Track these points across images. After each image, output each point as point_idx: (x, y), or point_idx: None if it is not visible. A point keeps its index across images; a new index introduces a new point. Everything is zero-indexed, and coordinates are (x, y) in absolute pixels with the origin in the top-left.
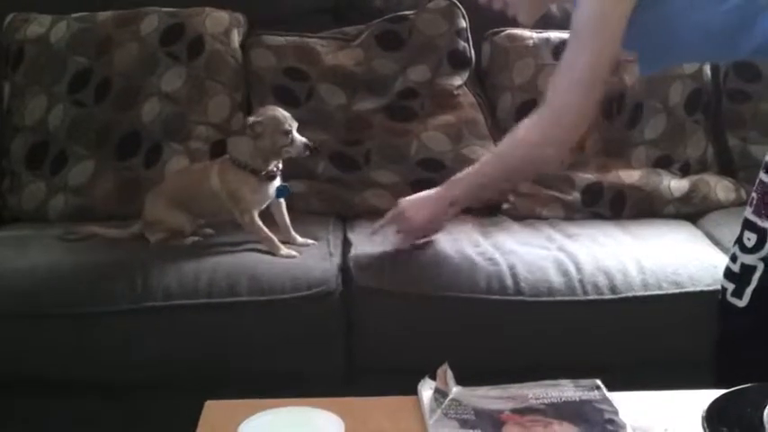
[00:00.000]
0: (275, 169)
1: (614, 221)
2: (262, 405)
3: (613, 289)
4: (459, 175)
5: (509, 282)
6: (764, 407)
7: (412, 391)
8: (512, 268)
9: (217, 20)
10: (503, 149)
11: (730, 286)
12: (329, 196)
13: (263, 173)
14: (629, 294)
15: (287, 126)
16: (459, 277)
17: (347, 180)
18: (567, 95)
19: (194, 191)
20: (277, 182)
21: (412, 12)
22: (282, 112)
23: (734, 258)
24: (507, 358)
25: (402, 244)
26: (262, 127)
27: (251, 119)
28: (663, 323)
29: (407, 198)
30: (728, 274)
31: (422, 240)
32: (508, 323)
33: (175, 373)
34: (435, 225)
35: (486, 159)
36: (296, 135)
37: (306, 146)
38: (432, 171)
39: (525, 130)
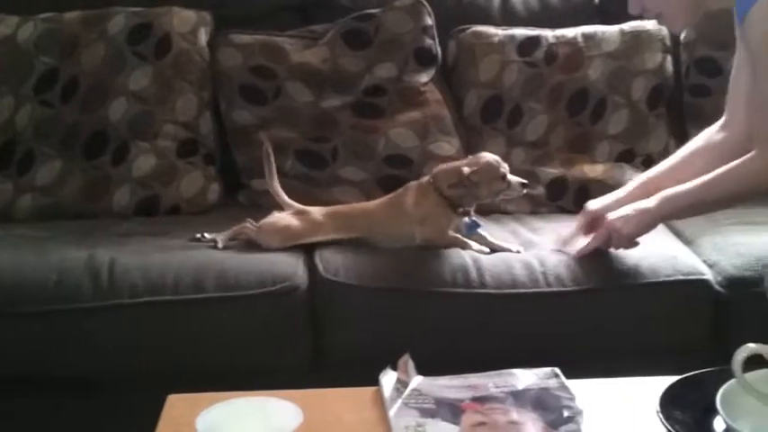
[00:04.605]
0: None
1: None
2: (223, 397)
3: (576, 281)
4: (671, 191)
5: (474, 275)
6: (717, 391)
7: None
8: (476, 261)
9: (184, 19)
10: (723, 176)
11: None
12: (297, 193)
13: (461, 210)
14: (592, 286)
15: (502, 170)
16: (424, 270)
17: (315, 177)
18: None
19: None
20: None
21: (378, 9)
22: (494, 157)
23: None
24: (472, 349)
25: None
26: (478, 176)
27: (466, 170)
28: (624, 313)
29: (615, 211)
30: None
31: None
32: (473, 315)
33: (143, 368)
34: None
35: (705, 181)
36: (510, 177)
37: (522, 185)
38: (399, 167)
39: (744, 160)
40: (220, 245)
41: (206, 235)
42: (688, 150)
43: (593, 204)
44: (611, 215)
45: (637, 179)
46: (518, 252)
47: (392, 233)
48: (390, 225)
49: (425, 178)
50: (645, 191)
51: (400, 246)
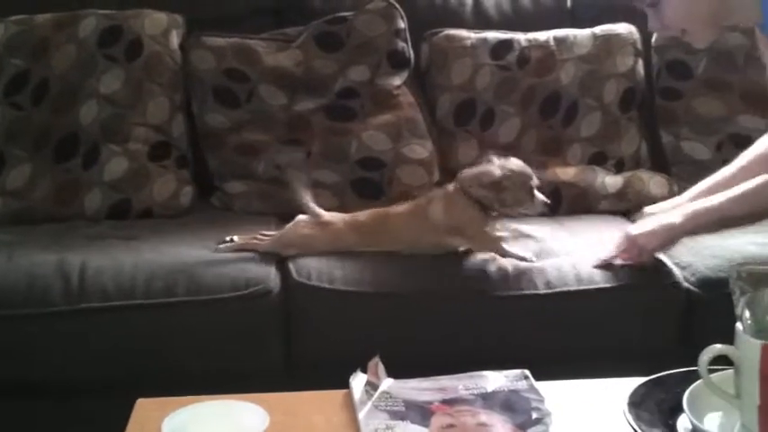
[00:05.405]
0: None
1: (551, 217)
2: (191, 401)
3: (548, 284)
4: (696, 206)
5: (446, 278)
6: (683, 392)
7: None
8: (448, 265)
9: (155, 21)
10: (751, 190)
11: None
12: (270, 196)
13: (494, 213)
14: (564, 289)
15: (532, 183)
16: (396, 274)
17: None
18: None
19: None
20: None
21: (350, 13)
22: (525, 167)
23: None
24: (444, 351)
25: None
26: (510, 181)
27: (498, 173)
28: (596, 316)
29: (636, 226)
30: None
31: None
32: (445, 318)
33: (113, 372)
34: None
35: (731, 197)
36: (537, 193)
37: (545, 203)
38: (372, 170)
39: None
40: (215, 250)
41: (234, 238)
42: (744, 161)
43: (634, 230)
44: (634, 229)
45: (689, 193)
46: (531, 261)
47: (419, 244)
48: (417, 236)
49: (450, 186)
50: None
51: (427, 254)
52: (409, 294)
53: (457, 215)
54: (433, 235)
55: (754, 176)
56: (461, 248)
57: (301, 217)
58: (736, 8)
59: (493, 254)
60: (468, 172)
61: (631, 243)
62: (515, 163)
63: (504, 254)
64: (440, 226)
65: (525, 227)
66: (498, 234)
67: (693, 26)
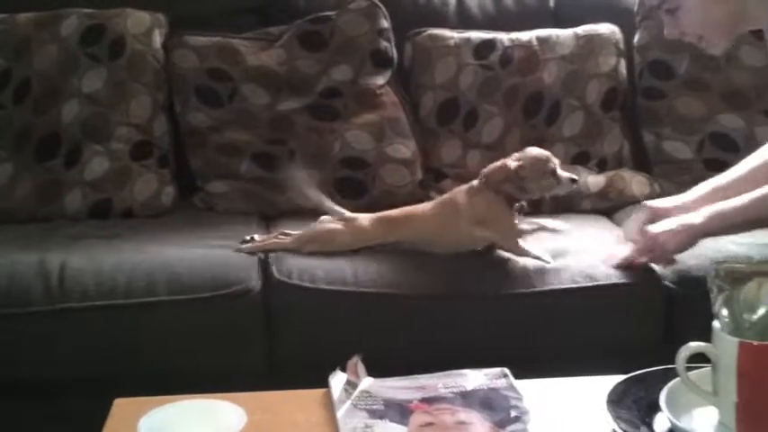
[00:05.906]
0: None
1: (533, 217)
2: (169, 401)
3: (529, 283)
4: (718, 207)
5: (426, 278)
6: (660, 390)
7: None
8: (428, 264)
9: (138, 20)
10: None
11: None
12: (252, 196)
13: (518, 205)
14: (545, 288)
15: (551, 166)
16: (376, 273)
17: (271, 180)
18: None
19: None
20: None
21: (333, 12)
22: (542, 152)
23: None
24: (425, 350)
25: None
26: (525, 171)
27: (512, 164)
28: (577, 315)
29: (657, 225)
30: None
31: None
32: (426, 317)
33: (94, 372)
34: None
35: (754, 199)
36: (560, 172)
37: (571, 180)
38: (355, 169)
39: None
40: (236, 250)
41: (255, 237)
42: (759, 160)
43: (653, 203)
44: (655, 228)
45: (704, 185)
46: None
47: (447, 238)
48: (444, 229)
49: (474, 183)
50: (713, 199)
51: (452, 252)
52: (390, 293)
53: (484, 208)
54: (461, 228)
55: (759, 182)
56: (479, 248)
57: (324, 218)
58: (753, 15)
59: (510, 254)
60: (488, 168)
61: (652, 242)
62: (531, 151)
63: (522, 253)
64: (469, 218)
65: (546, 220)
66: (521, 228)
67: (710, 33)
